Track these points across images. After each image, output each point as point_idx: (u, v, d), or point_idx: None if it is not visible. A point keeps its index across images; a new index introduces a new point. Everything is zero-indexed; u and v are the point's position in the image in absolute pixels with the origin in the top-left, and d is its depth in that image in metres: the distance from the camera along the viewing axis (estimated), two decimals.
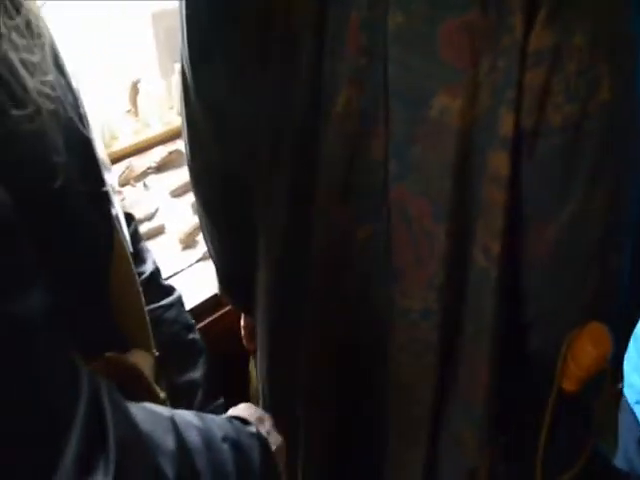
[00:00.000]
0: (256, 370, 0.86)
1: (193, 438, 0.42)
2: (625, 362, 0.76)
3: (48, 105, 0.42)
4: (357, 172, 0.63)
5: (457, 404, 0.67)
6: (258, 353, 0.81)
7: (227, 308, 1.08)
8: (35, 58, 0.42)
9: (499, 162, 0.57)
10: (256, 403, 0.81)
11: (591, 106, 0.54)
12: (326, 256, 0.68)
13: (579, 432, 0.69)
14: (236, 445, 0.47)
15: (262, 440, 0.53)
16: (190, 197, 1.23)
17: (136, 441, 0.37)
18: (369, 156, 0.62)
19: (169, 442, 0.40)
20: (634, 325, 0.68)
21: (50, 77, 0.43)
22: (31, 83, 0.41)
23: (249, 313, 0.86)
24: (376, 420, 0.72)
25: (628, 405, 0.79)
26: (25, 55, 0.41)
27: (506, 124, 0.56)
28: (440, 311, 0.64)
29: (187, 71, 0.67)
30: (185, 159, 0.78)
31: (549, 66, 0.53)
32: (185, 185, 1.26)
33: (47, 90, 0.43)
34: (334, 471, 0.77)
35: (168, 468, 0.38)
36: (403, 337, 0.67)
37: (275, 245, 0.71)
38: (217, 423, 0.48)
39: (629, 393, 0.80)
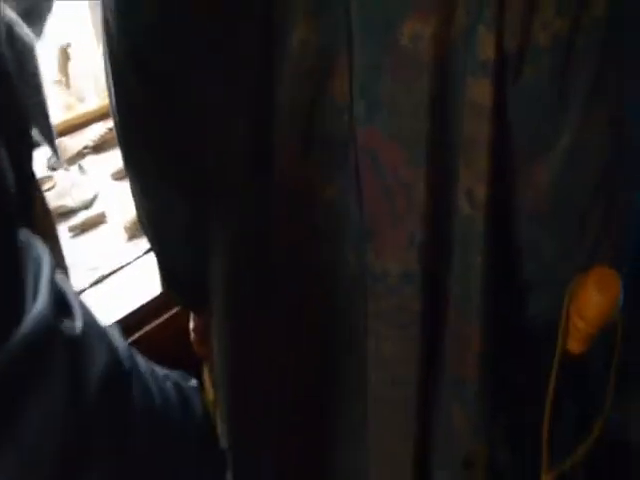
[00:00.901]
0: (211, 378, 0.81)
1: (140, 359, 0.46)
2: None
3: None
4: (318, 119, 0.58)
5: (447, 381, 0.64)
6: (216, 357, 0.75)
7: (176, 310, 1.01)
8: None
9: (480, 91, 0.53)
10: (212, 415, 0.74)
11: (585, 18, 0.51)
12: (289, 225, 0.63)
13: (589, 404, 0.66)
14: (178, 386, 0.49)
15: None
16: None
17: (92, 317, 0.40)
18: (331, 98, 0.57)
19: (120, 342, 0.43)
20: None
21: None
22: None
23: (200, 312, 0.81)
24: (356, 409, 0.68)
25: None
26: None
27: (486, 47, 0.52)
28: (422, 272, 0.60)
29: (111, 19, 0.60)
30: None
31: None
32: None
33: None
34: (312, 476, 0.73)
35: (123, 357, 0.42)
36: (381, 306, 0.62)
37: (231, 219, 0.65)
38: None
39: None
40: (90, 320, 0.40)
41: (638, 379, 0.71)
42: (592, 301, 0.58)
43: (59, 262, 0.79)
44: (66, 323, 0.37)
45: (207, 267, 0.71)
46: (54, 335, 0.36)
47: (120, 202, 1.15)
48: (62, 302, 0.38)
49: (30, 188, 0.53)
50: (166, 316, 1.03)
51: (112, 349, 0.41)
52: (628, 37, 0.53)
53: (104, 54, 0.65)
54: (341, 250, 0.63)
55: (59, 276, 0.39)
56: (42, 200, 0.76)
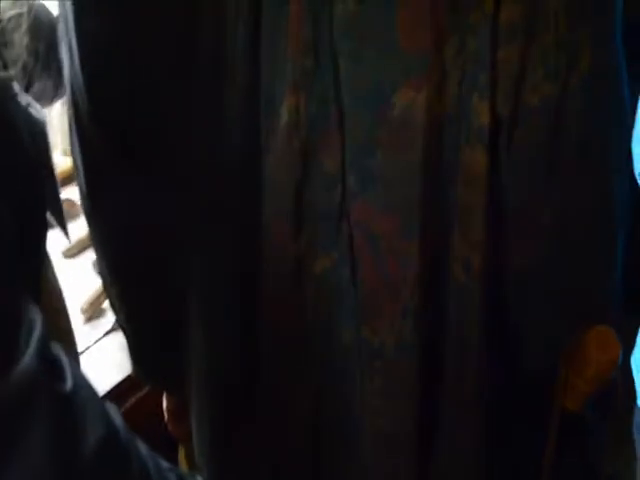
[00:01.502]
0: (188, 460, 0.80)
1: (139, 443, 0.44)
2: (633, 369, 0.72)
3: None
4: (309, 193, 0.57)
5: (444, 454, 0.63)
6: (195, 437, 0.72)
7: (147, 389, 0.97)
8: None
9: (475, 159, 0.54)
10: None
11: (573, 81, 0.53)
12: (279, 300, 0.62)
13: (589, 462, 0.66)
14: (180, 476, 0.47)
15: None
16: (90, 254, 1.11)
17: (88, 384, 0.40)
18: (322, 172, 0.57)
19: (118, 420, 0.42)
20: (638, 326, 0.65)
21: None
22: None
23: (174, 392, 0.77)
24: None
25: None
26: None
27: (481, 114, 0.53)
28: (418, 342, 0.59)
29: (79, 91, 0.59)
30: (80, 210, 0.68)
31: (524, 40, 0.51)
32: (82, 242, 1.15)
33: None
34: None
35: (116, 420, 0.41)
36: (378, 380, 0.61)
37: (215, 295, 0.64)
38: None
39: None
40: (82, 383, 0.39)
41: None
42: (591, 360, 0.59)
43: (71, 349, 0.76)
44: (55, 382, 0.37)
45: (185, 345, 0.69)
46: (40, 391, 0.35)
47: (75, 281, 1.10)
48: (52, 362, 0.37)
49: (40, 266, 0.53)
50: (136, 398, 0.99)
51: (109, 423, 0.40)
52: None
53: (72, 131, 0.63)
54: (334, 326, 0.62)
55: (55, 345, 0.39)
56: (58, 294, 0.73)
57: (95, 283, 1.08)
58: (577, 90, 0.54)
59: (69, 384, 0.37)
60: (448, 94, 0.53)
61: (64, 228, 0.66)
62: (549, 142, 0.54)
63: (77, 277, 1.11)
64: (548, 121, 0.54)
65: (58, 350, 0.39)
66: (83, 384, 0.40)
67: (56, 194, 0.64)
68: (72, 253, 1.16)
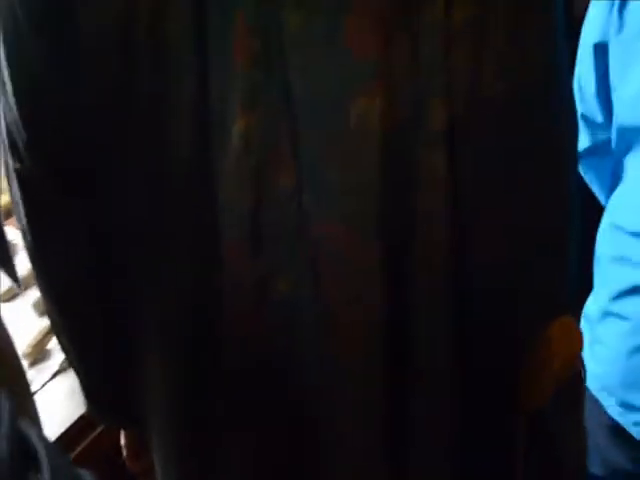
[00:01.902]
0: None
1: None
2: None
3: None
4: (266, 213, 0.56)
5: (415, 465, 0.64)
6: (159, 474, 0.70)
7: (101, 428, 0.94)
8: None
9: (433, 162, 0.54)
10: None
11: (525, 77, 0.54)
12: (240, 324, 0.60)
13: (557, 455, 0.68)
14: None
15: None
16: (30, 296, 1.07)
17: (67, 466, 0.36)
18: (277, 191, 0.56)
19: None
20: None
21: None
22: None
23: (131, 428, 0.75)
24: None
25: (590, 394, 0.78)
26: None
27: (437, 117, 0.53)
28: (384, 356, 0.59)
29: (15, 125, 0.57)
30: (18, 248, 0.66)
31: (476, 40, 0.52)
32: (21, 282, 1.04)
33: None
34: None
35: None
36: (347, 398, 0.61)
37: (171, 327, 0.62)
38: None
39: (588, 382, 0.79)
40: (61, 470, 0.36)
41: None
42: (556, 353, 0.61)
43: (29, 410, 0.72)
44: (30, 476, 0.33)
45: (140, 380, 0.67)
46: None
47: (15, 326, 1.06)
48: (26, 452, 0.34)
49: None
50: (90, 438, 0.95)
51: None
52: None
53: (8, 169, 0.60)
54: (298, 346, 0.61)
55: (24, 422, 0.36)
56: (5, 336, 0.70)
57: (38, 324, 1.04)
58: (531, 87, 0.55)
59: (45, 476, 0.34)
60: (403, 100, 0.53)
61: (12, 272, 0.63)
62: (506, 141, 0.55)
63: (18, 322, 1.04)
64: (504, 120, 0.54)
65: (30, 430, 0.35)
66: (59, 469, 0.36)
67: (2, 235, 0.61)
68: (8, 297, 1.10)
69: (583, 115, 0.84)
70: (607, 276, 0.80)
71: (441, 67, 0.52)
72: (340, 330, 0.59)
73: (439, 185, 0.55)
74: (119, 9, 0.51)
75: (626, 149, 0.80)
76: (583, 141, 0.84)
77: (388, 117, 0.53)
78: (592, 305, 0.81)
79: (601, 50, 0.79)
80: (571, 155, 0.63)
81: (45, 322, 1.00)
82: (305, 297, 0.58)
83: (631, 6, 0.76)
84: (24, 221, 0.63)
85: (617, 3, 0.77)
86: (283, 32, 0.52)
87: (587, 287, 0.84)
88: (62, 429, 0.92)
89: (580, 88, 0.83)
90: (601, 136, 0.83)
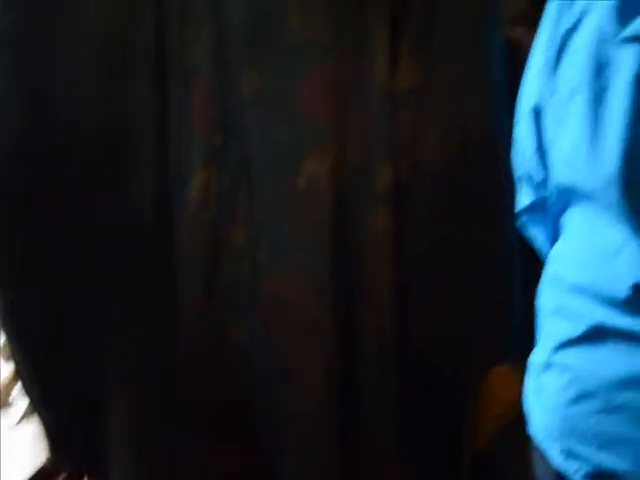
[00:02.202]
0: None
1: None
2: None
3: None
4: (221, 266, 0.60)
5: None
6: None
7: (64, 475, 0.93)
8: None
9: (380, 223, 0.58)
10: None
11: (467, 140, 0.56)
12: (197, 371, 0.64)
13: None
14: None
15: None
16: None
17: None
18: (233, 246, 0.60)
19: None
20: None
21: None
22: None
23: (96, 473, 0.77)
24: None
25: (537, 442, 0.80)
26: None
27: (383, 176, 0.57)
28: (337, 402, 0.64)
29: None
30: None
31: (420, 103, 0.54)
32: None
33: None
34: None
35: None
36: (303, 440, 0.65)
37: (134, 374, 0.66)
38: None
39: (535, 430, 0.81)
40: None
41: None
42: (495, 401, 0.63)
43: None
44: None
45: (104, 425, 0.69)
46: None
47: None
48: None
49: None
50: None
51: None
52: None
53: None
54: (254, 393, 0.64)
55: None
56: None
57: (3, 371, 1.06)
58: (472, 150, 0.58)
59: None
60: (351, 161, 0.56)
61: None
62: (448, 201, 0.59)
63: None
64: (446, 181, 0.58)
65: None
66: None
67: None
68: None
69: (525, 174, 0.88)
70: (548, 328, 0.84)
71: (387, 131, 0.56)
72: (292, 378, 0.62)
73: (384, 244, 0.58)
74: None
75: (564, 206, 0.84)
76: (526, 198, 0.88)
77: (337, 178, 0.57)
78: (536, 356, 0.84)
79: (537, 113, 0.84)
80: (509, 212, 0.66)
81: (10, 367, 1.02)
82: (258, 348, 0.61)
83: (562, 71, 0.81)
84: None
85: (550, 68, 0.83)
86: (239, 97, 0.56)
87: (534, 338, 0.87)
88: (25, 477, 0.93)
89: (520, 149, 0.87)
90: (542, 193, 0.87)
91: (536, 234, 0.92)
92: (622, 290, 0.75)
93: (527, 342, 0.76)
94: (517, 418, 0.68)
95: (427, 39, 0.58)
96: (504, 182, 0.66)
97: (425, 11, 0.58)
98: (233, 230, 0.59)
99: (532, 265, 0.83)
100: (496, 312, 0.68)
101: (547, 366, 0.82)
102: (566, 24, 0.81)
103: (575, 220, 0.83)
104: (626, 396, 0.74)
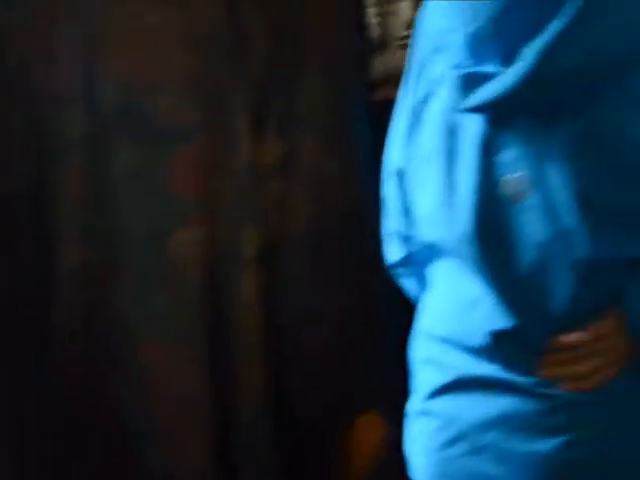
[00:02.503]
0: None
1: None
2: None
3: None
4: (96, 330, 0.62)
5: None
6: None
7: None
8: None
9: (249, 285, 0.61)
10: None
11: (331, 203, 0.62)
12: (77, 434, 0.64)
13: None
14: None
15: None
16: None
17: None
18: (107, 311, 0.62)
19: None
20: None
21: None
22: None
23: None
24: None
25: None
26: None
27: (251, 245, 0.61)
28: (214, 467, 0.65)
29: None
30: None
31: (285, 175, 0.59)
32: None
33: None
34: None
35: None
36: None
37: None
38: None
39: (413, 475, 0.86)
40: None
41: None
42: (359, 448, 0.67)
43: None
44: None
45: None
46: None
47: None
48: None
49: None
50: None
51: None
52: None
53: None
54: (141, 459, 0.66)
55: None
56: None
57: None
58: (336, 214, 0.63)
59: None
60: (221, 231, 0.59)
61: None
62: (318, 257, 0.63)
63: None
64: (309, 242, 0.62)
65: None
66: None
67: None
68: None
69: (394, 230, 0.94)
70: (420, 378, 0.89)
71: (254, 203, 0.59)
72: (169, 441, 0.65)
73: (255, 308, 0.62)
74: None
75: (430, 260, 0.91)
76: (397, 253, 0.95)
77: (207, 248, 0.60)
78: (412, 404, 0.89)
79: (401, 175, 0.91)
80: (379, 267, 0.71)
81: None
82: (134, 411, 0.64)
83: (419, 137, 0.88)
84: None
85: (409, 134, 0.90)
86: (111, 173, 0.59)
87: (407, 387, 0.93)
88: None
89: (388, 207, 0.94)
90: (410, 248, 0.94)
91: (409, 286, 0.98)
92: (480, 339, 0.82)
93: (399, 391, 0.80)
94: (389, 465, 0.72)
95: (289, 116, 0.63)
96: (372, 240, 0.72)
97: (286, 91, 0.63)
98: (107, 295, 0.62)
99: (407, 316, 0.88)
100: (368, 364, 0.72)
101: (421, 413, 0.87)
102: (421, 92, 0.88)
103: (440, 273, 0.90)
104: (489, 437, 0.81)
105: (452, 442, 0.83)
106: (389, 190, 0.93)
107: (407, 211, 0.92)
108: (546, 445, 0.77)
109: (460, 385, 0.84)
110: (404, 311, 0.92)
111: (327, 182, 0.66)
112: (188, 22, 0.60)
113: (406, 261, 0.95)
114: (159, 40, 0.60)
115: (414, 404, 0.89)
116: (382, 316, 0.74)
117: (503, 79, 0.76)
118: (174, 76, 0.60)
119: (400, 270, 0.96)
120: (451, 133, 0.83)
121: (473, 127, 0.82)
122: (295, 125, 0.63)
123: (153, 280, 0.61)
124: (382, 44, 1.31)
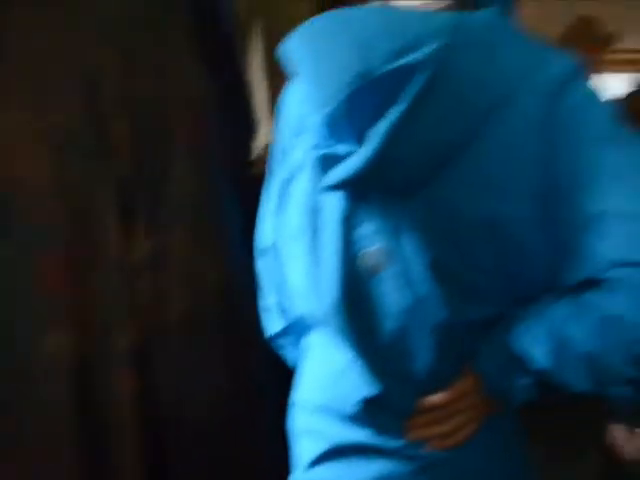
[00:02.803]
0: None
1: None
2: None
3: None
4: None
5: None
6: None
7: None
8: None
9: (123, 381, 0.63)
10: None
11: (203, 291, 0.63)
12: None
13: None
14: None
15: None
16: None
17: None
18: None
19: None
20: None
21: None
22: None
23: None
24: None
25: None
26: None
27: (124, 341, 0.62)
28: None
29: None
30: None
31: (156, 267, 0.60)
32: None
33: None
34: None
35: None
36: None
37: None
38: None
39: None
40: None
41: None
42: None
43: None
44: None
45: None
46: None
47: None
48: None
49: None
50: None
51: None
52: None
53: None
54: None
55: None
56: None
57: None
58: (206, 306, 0.65)
59: None
60: (93, 328, 0.61)
61: None
62: (189, 347, 0.65)
63: None
64: (184, 331, 0.64)
65: None
66: None
67: None
68: None
69: (272, 303, 0.98)
70: (299, 448, 0.92)
71: (125, 298, 0.60)
72: None
73: (130, 404, 0.63)
74: None
75: (305, 331, 0.95)
76: (277, 324, 0.98)
77: (80, 346, 0.61)
78: (294, 476, 0.92)
79: (273, 250, 0.95)
80: (254, 345, 0.73)
81: None
82: None
83: (286, 215, 0.93)
84: None
85: (277, 212, 0.94)
86: None
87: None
88: None
89: (263, 281, 0.98)
90: (289, 320, 0.98)
91: (290, 357, 1.02)
92: (351, 407, 0.85)
93: (283, 465, 0.83)
94: None
95: (159, 208, 0.66)
96: (249, 316, 0.74)
97: (155, 182, 0.65)
98: None
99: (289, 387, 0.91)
100: (249, 441, 0.75)
101: None
102: (285, 175, 0.93)
103: (314, 344, 0.93)
104: None
105: None
106: (264, 265, 0.97)
107: (281, 284, 0.95)
108: None
109: (337, 453, 0.87)
110: (288, 382, 0.95)
111: (198, 270, 0.69)
112: (45, 124, 0.63)
113: (285, 332, 0.99)
114: (18, 141, 0.63)
115: (296, 476, 0.91)
116: (261, 392, 0.77)
117: (355, 159, 0.81)
118: (35, 177, 0.62)
119: (280, 341, 1.00)
120: (314, 211, 0.88)
121: (334, 204, 0.86)
122: (165, 218, 0.66)
123: (25, 380, 0.61)
124: (268, 119, 1.36)
